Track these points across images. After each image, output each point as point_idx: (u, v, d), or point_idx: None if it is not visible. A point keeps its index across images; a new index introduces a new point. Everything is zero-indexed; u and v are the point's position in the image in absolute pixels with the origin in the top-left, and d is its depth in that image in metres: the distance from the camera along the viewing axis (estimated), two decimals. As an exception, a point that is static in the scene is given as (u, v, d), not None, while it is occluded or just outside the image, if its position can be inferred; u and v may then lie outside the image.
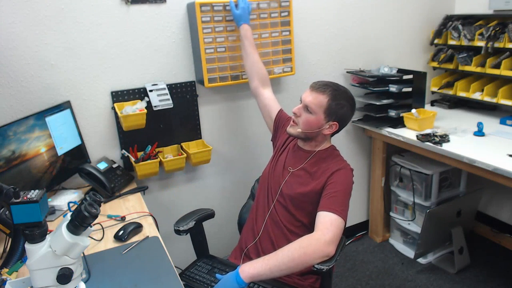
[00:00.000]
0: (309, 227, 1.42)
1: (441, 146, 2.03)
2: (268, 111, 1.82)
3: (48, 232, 0.98)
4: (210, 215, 1.74)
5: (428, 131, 2.22)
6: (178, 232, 1.61)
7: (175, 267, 1.30)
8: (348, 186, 1.45)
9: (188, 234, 1.66)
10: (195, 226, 1.65)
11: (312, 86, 1.50)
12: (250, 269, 1.26)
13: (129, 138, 1.99)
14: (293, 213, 1.51)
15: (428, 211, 2.27)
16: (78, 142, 1.84)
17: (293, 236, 1.44)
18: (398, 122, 2.35)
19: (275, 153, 1.71)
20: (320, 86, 1.48)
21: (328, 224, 1.32)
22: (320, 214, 1.36)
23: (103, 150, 1.96)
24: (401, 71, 2.39)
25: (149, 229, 1.50)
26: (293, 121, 1.54)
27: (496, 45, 2.24)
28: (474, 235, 2.75)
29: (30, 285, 1.00)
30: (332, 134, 1.56)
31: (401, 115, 2.32)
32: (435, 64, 2.65)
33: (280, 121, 1.77)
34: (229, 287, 1.26)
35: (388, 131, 2.34)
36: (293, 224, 1.52)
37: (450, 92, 2.55)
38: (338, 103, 1.46)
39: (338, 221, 1.33)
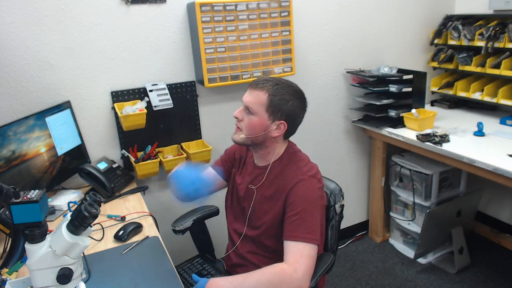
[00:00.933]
0: (281, 251, 1.26)
1: (441, 146, 2.03)
2: (216, 181, 1.57)
3: (48, 232, 0.98)
4: (213, 213, 1.72)
5: (428, 131, 2.22)
6: (174, 232, 1.60)
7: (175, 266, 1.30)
8: (310, 199, 1.27)
9: (189, 233, 1.64)
10: (194, 225, 1.64)
11: (250, 84, 1.33)
12: None
13: (129, 138, 1.99)
14: (264, 243, 1.39)
15: (428, 211, 2.27)
16: (78, 142, 1.84)
17: (265, 260, 1.36)
18: (398, 122, 2.35)
19: (232, 181, 1.53)
20: (258, 83, 1.30)
21: (297, 257, 1.19)
22: (287, 244, 1.22)
23: (103, 150, 1.96)
24: (401, 71, 2.39)
25: (149, 229, 1.50)
26: (237, 127, 1.35)
27: (496, 45, 2.24)
28: (474, 235, 2.75)
29: (30, 285, 1.00)
30: (287, 136, 1.38)
31: (401, 115, 2.33)
32: (435, 64, 2.65)
33: (226, 171, 1.56)
34: None
35: (388, 131, 2.34)
36: (264, 251, 1.40)
37: (450, 92, 2.55)
38: (281, 98, 1.28)
39: (307, 249, 1.20)
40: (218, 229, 1.98)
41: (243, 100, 1.33)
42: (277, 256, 1.30)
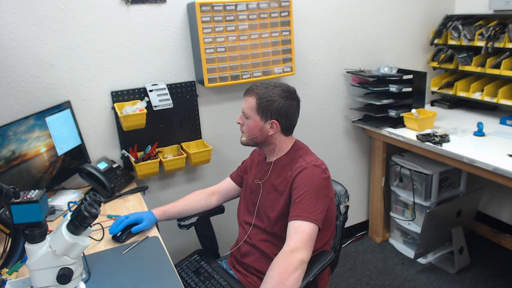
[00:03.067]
0: None
1: (441, 146, 2.03)
2: (232, 190, 1.74)
3: (48, 232, 0.98)
4: (218, 210, 1.75)
5: (428, 131, 2.22)
6: (179, 226, 1.65)
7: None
8: (312, 184, 1.34)
9: (190, 232, 1.67)
10: (199, 221, 1.68)
11: (244, 92, 1.48)
12: None
13: (129, 138, 1.99)
14: (276, 233, 1.45)
15: (428, 211, 2.27)
16: (78, 142, 1.84)
17: (275, 249, 1.43)
18: (398, 122, 2.35)
19: (244, 183, 1.66)
20: (249, 90, 1.46)
21: (291, 233, 1.27)
22: (288, 225, 1.32)
23: (103, 150, 1.96)
24: (401, 71, 2.39)
25: (149, 229, 1.50)
26: (241, 131, 1.52)
27: (496, 45, 2.24)
28: (474, 235, 2.75)
29: (30, 285, 1.00)
30: (287, 132, 1.47)
31: (401, 115, 2.32)
32: (435, 64, 2.65)
33: (238, 177, 1.72)
34: None
35: (388, 131, 2.34)
36: (275, 239, 1.46)
37: (450, 92, 2.55)
38: (267, 100, 1.40)
39: (303, 226, 1.28)
40: (224, 228, 2.00)
41: (241, 107, 1.48)
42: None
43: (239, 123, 1.51)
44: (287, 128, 1.47)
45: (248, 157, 1.72)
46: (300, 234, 1.27)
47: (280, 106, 1.41)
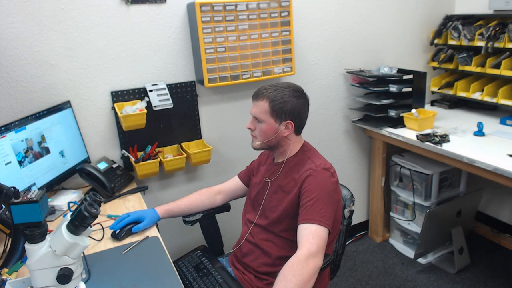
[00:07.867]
0: (295, 240, 1.33)
1: (441, 146, 2.03)
2: (238, 190, 1.75)
3: (48, 232, 0.98)
4: (223, 208, 1.75)
5: (428, 131, 2.22)
6: (184, 222, 1.67)
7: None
8: (323, 188, 1.35)
9: (191, 231, 1.69)
10: (204, 218, 1.70)
11: (252, 97, 1.48)
12: None
13: (129, 138, 1.99)
14: (278, 234, 1.46)
15: (428, 211, 2.27)
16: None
17: (276, 248, 1.45)
18: (398, 122, 2.35)
19: (251, 183, 1.67)
20: (258, 94, 1.45)
21: (310, 237, 1.26)
22: (300, 227, 1.30)
23: (103, 150, 1.96)
24: (401, 71, 2.39)
25: (149, 229, 1.50)
26: (252, 136, 1.51)
27: (496, 45, 2.24)
28: (474, 235, 2.75)
29: (30, 285, 1.00)
30: (298, 132, 1.49)
31: (401, 115, 2.33)
32: (435, 64, 2.65)
33: (245, 177, 1.72)
34: None
35: (388, 131, 2.34)
36: (278, 240, 1.47)
37: (450, 92, 2.55)
38: (280, 102, 1.41)
39: (319, 231, 1.27)
40: (229, 225, 2.00)
41: (251, 112, 1.48)
42: (289, 246, 1.40)
43: (249, 129, 1.50)
44: (300, 126, 1.49)
45: (256, 158, 1.72)
46: (318, 239, 1.26)
47: (294, 106, 1.43)
